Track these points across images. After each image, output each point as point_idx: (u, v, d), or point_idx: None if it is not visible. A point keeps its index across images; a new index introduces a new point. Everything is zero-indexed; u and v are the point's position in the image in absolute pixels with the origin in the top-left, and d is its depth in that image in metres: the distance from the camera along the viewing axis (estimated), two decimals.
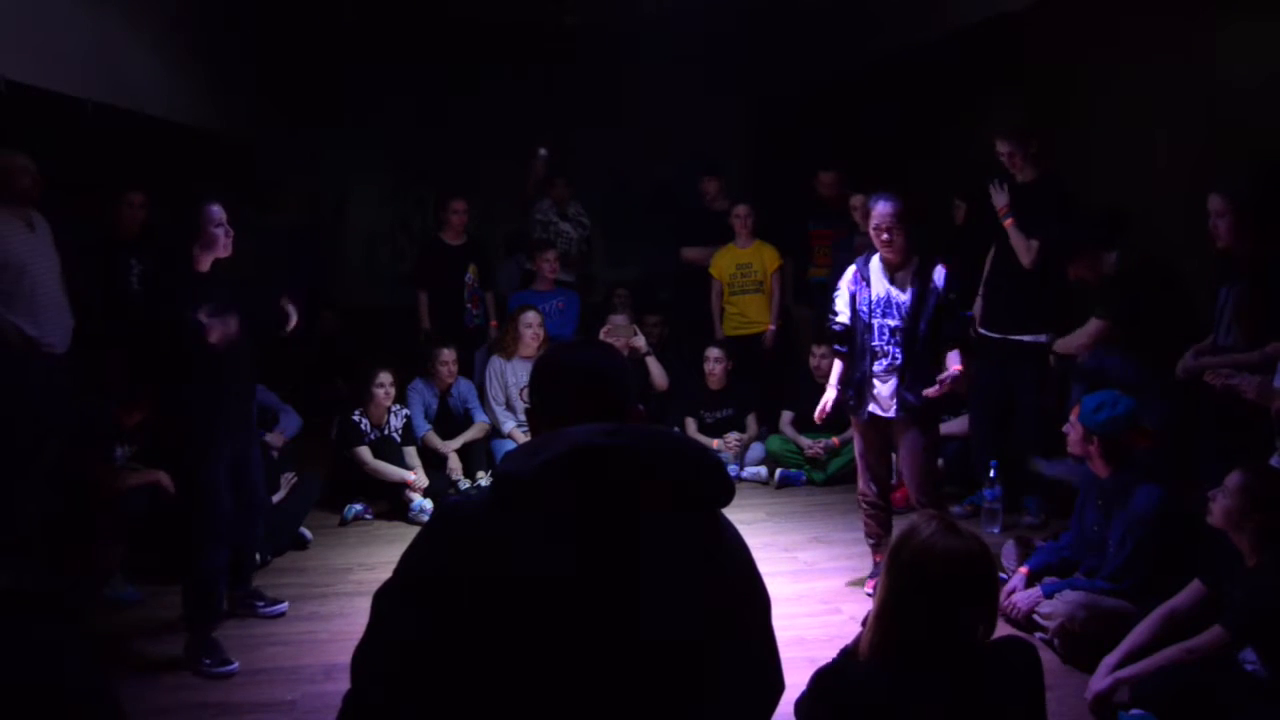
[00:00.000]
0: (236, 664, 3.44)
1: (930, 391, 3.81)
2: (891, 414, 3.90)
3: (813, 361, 5.86)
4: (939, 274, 3.83)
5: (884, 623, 1.90)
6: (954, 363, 3.85)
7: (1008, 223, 4.67)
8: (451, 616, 1.39)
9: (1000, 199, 4.70)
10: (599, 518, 1.41)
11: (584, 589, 1.40)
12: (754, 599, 1.57)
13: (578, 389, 1.60)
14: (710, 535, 1.53)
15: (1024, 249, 4.65)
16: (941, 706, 1.84)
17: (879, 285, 3.91)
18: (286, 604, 3.98)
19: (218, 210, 3.55)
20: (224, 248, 3.58)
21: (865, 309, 3.93)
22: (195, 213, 3.54)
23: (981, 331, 4.92)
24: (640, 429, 1.49)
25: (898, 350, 3.87)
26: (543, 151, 6.84)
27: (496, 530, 1.43)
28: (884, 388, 3.90)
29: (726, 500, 1.53)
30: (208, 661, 3.42)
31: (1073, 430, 3.63)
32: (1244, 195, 3.52)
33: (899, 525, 2.03)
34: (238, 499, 3.69)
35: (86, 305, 4.38)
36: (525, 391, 5.71)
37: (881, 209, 3.80)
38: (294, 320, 3.87)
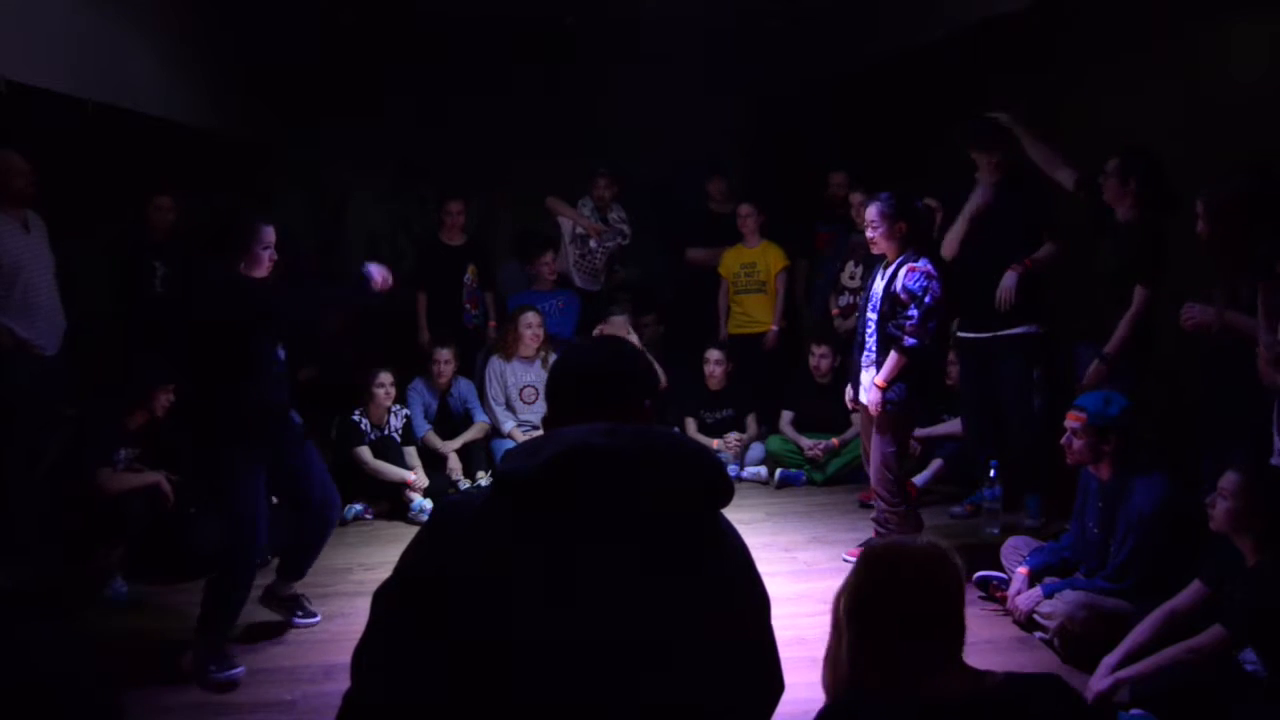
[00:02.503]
0: (242, 667, 3.38)
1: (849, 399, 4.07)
2: (866, 402, 4.07)
3: (812, 361, 5.86)
4: (904, 272, 3.88)
5: (861, 660, 1.60)
6: (888, 363, 3.91)
7: (1020, 272, 4.49)
8: (450, 616, 1.39)
9: (1010, 282, 4.48)
10: (597, 518, 1.41)
11: (582, 589, 1.40)
12: (754, 599, 1.56)
13: (579, 390, 1.61)
14: (709, 535, 1.53)
15: (1045, 256, 4.50)
16: None
17: (879, 280, 4.05)
18: (319, 616, 3.85)
19: (270, 232, 3.37)
20: (265, 270, 3.40)
21: (863, 301, 4.12)
22: (247, 228, 3.34)
23: (960, 334, 4.87)
24: (640, 429, 1.49)
25: (874, 343, 4.01)
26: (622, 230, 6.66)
27: (495, 530, 1.43)
28: (865, 377, 4.09)
29: (725, 501, 1.54)
30: (214, 669, 3.32)
31: (1080, 438, 3.50)
32: (1222, 197, 3.49)
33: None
34: (294, 499, 3.64)
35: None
36: (525, 391, 5.75)
37: (868, 210, 4.02)
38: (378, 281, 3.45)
